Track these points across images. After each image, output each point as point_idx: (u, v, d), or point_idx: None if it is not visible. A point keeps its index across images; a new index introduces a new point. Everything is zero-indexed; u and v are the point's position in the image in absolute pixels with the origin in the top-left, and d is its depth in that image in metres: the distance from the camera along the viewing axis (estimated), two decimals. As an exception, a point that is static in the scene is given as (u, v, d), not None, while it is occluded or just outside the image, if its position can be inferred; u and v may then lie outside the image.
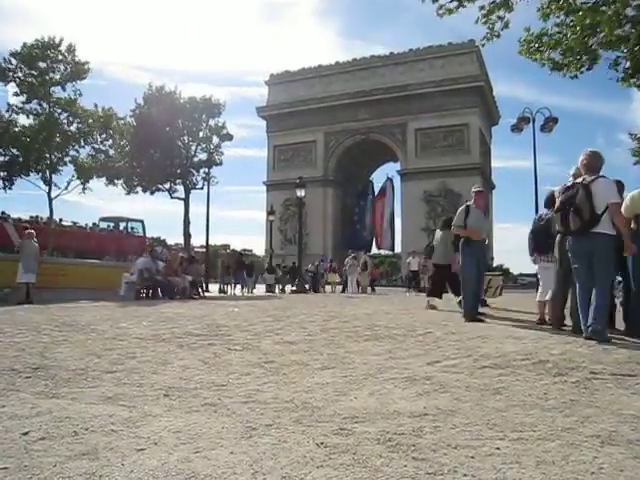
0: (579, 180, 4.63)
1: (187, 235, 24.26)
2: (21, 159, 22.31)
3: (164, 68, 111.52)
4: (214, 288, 19.97)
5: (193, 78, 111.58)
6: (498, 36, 9.01)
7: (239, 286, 20.95)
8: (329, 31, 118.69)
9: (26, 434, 2.04)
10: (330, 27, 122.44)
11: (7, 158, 22.63)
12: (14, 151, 22.53)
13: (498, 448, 1.90)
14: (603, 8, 8.28)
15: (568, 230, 4.65)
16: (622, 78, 9.14)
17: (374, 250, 44.13)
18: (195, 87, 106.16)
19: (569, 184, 4.76)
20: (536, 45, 9.17)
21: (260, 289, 21.94)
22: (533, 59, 9.34)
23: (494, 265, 23.18)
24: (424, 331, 5.20)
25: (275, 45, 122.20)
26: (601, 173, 4.65)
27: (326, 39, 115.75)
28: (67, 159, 23.23)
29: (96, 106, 23.68)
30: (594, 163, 4.65)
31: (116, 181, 24.60)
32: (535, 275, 6.73)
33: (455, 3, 8.58)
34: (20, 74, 22.29)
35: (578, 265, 4.71)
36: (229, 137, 23.93)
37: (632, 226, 4.85)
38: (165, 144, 23.32)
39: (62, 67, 22.73)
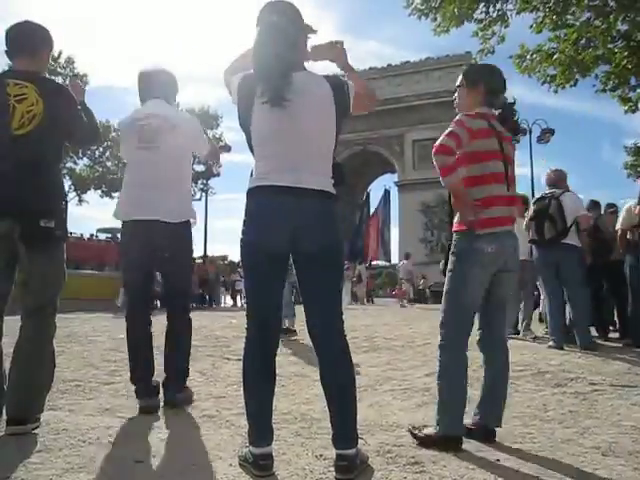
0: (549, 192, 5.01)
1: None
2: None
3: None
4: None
5: (192, 78, 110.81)
6: (492, 52, 9.14)
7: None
8: (327, 27, 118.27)
9: (23, 447, 2.02)
10: (328, 21, 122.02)
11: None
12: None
13: (498, 460, 1.90)
14: (596, 22, 8.40)
15: (542, 239, 4.89)
16: (602, 90, 9.26)
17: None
18: (193, 87, 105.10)
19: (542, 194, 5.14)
20: (529, 61, 9.28)
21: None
22: (529, 75, 9.43)
23: None
24: (423, 342, 5.19)
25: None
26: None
27: (324, 34, 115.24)
28: (64, 171, 23.28)
29: None
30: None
31: (113, 194, 24.62)
32: None
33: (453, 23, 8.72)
34: (19, 86, 22.43)
35: (547, 274, 4.97)
36: (227, 149, 23.87)
37: (629, 237, 4.92)
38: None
39: (61, 80, 22.90)
